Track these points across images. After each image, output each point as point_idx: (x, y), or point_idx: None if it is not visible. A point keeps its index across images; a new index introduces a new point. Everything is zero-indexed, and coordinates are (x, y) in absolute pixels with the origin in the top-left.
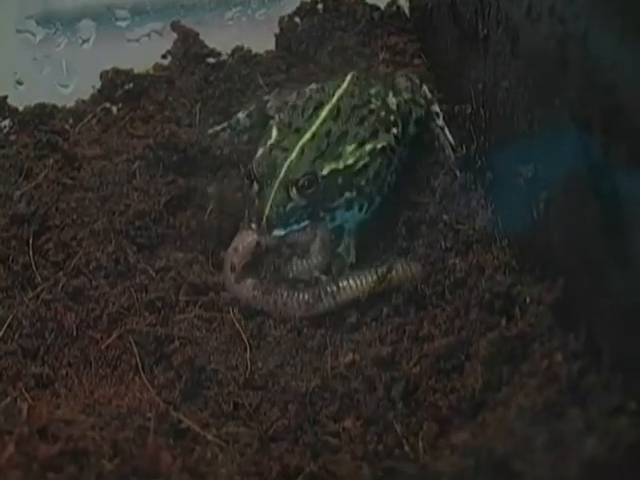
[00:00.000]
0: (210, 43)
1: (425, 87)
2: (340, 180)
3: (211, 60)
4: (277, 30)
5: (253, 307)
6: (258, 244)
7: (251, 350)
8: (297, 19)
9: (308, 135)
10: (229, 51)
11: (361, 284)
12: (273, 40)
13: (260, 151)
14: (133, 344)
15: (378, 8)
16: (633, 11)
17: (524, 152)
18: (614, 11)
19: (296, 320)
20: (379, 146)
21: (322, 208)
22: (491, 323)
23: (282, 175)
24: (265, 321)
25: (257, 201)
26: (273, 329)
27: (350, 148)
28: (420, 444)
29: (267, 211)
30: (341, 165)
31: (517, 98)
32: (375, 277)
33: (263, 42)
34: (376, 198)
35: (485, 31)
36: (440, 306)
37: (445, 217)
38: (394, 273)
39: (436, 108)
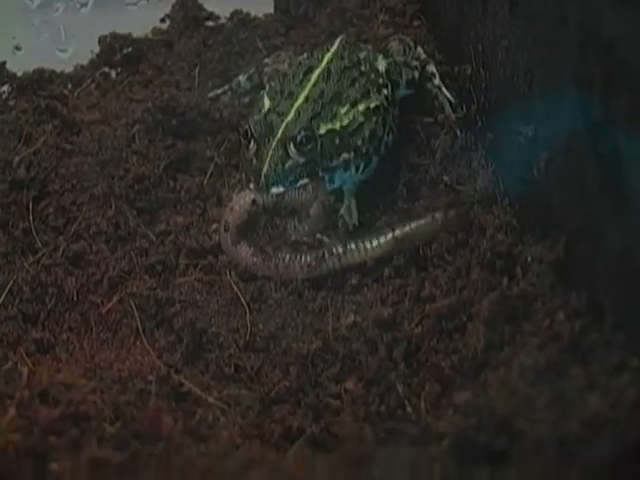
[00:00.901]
0: (209, 6)
1: (420, 48)
2: (337, 140)
3: (210, 24)
4: None
5: (251, 269)
6: (254, 203)
7: (252, 313)
8: None
9: (302, 98)
10: (228, 14)
11: (366, 248)
12: (272, 3)
13: (255, 117)
14: (134, 308)
15: None
16: None
17: (524, 112)
18: None
19: (297, 282)
20: (372, 105)
21: (321, 167)
22: (493, 283)
23: (279, 134)
24: (265, 284)
25: (255, 160)
26: (274, 292)
27: (344, 109)
28: (422, 405)
29: (265, 169)
30: (337, 125)
31: (517, 58)
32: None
33: (262, 5)
34: (373, 158)
35: None
36: (441, 267)
37: (446, 178)
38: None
39: (432, 68)
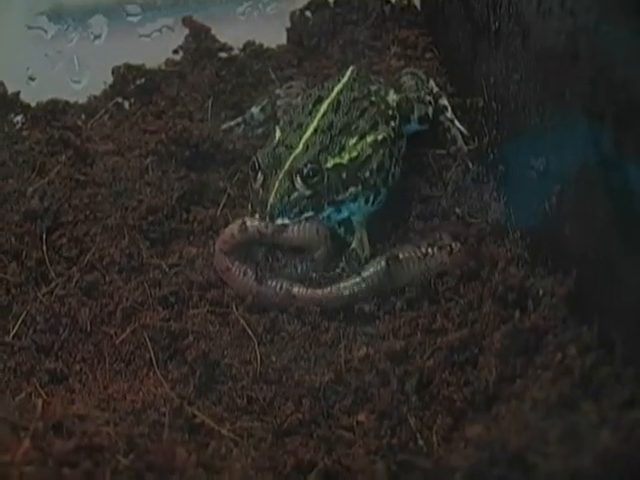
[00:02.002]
0: (222, 38)
1: (432, 82)
2: (344, 174)
3: (223, 55)
4: (288, 24)
5: (241, 292)
6: (244, 227)
7: (264, 345)
8: (308, 13)
9: (311, 129)
10: (241, 46)
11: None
12: (284, 34)
13: (265, 149)
14: (147, 339)
15: (389, 2)
16: None
17: (536, 145)
18: (625, 4)
19: (310, 314)
20: (380, 137)
21: (327, 201)
22: (504, 316)
23: (287, 166)
24: (278, 316)
25: (261, 191)
26: (286, 324)
27: (352, 141)
28: (434, 438)
29: (271, 199)
30: (345, 159)
31: (529, 91)
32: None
33: (274, 36)
34: (382, 190)
35: (497, 24)
36: (453, 299)
37: (457, 210)
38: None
39: (444, 101)
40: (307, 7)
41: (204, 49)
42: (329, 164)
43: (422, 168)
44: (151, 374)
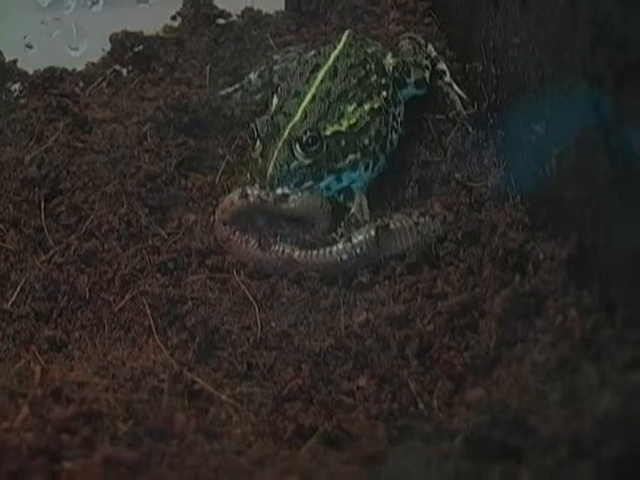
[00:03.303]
0: (220, 4)
1: (431, 46)
2: (343, 142)
3: (221, 21)
4: None
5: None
6: (245, 195)
7: (264, 310)
8: None
9: (308, 97)
10: (239, 12)
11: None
12: (283, 0)
13: (263, 117)
14: (146, 306)
15: None
16: None
17: (535, 109)
18: None
19: (309, 280)
20: (376, 105)
21: (326, 169)
22: (504, 280)
23: (286, 135)
24: (278, 282)
25: (260, 160)
26: (286, 289)
27: (350, 108)
28: (435, 402)
29: (271, 169)
30: (344, 126)
31: (528, 55)
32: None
33: (273, 3)
34: (380, 156)
35: None
36: (453, 264)
37: (457, 175)
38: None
39: (442, 66)
40: None
41: (202, 15)
42: (328, 132)
43: (421, 133)
44: (150, 341)
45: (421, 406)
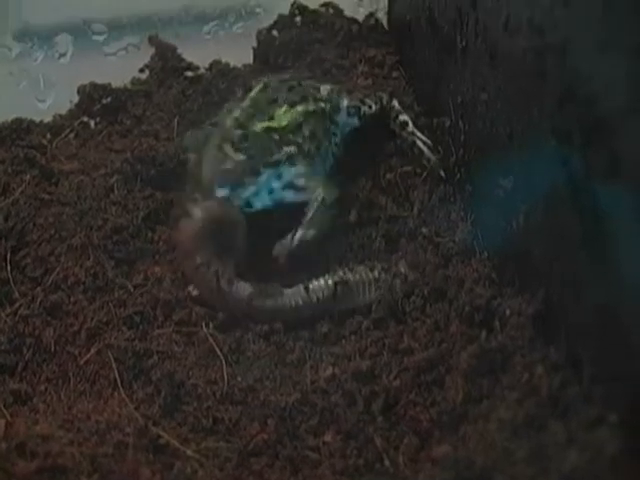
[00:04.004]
0: (188, 57)
1: (395, 100)
2: (276, 136)
3: (189, 74)
4: (255, 43)
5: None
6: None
7: (230, 364)
8: (275, 32)
9: (238, 110)
10: (207, 65)
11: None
12: (251, 53)
13: (193, 131)
14: (112, 359)
15: (356, 21)
16: (611, 22)
17: (503, 164)
18: (593, 22)
19: (275, 334)
20: (311, 109)
21: (261, 163)
22: (471, 336)
23: (216, 140)
24: (244, 335)
25: (195, 169)
26: (252, 343)
27: (282, 109)
28: (400, 458)
29: (204, 172)
30: (275, 124)
31: (496, 110)
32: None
33: (241, 55)
34: (316, 157)
35: (464, 43)
36: (420, 319)
37: (424, 230)
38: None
39: (404, 117)
40: (274, 26)
41: (170, 68)
42: (257, 128)
43: (388, 187)
44: (116, 394)
45: (387, 462)
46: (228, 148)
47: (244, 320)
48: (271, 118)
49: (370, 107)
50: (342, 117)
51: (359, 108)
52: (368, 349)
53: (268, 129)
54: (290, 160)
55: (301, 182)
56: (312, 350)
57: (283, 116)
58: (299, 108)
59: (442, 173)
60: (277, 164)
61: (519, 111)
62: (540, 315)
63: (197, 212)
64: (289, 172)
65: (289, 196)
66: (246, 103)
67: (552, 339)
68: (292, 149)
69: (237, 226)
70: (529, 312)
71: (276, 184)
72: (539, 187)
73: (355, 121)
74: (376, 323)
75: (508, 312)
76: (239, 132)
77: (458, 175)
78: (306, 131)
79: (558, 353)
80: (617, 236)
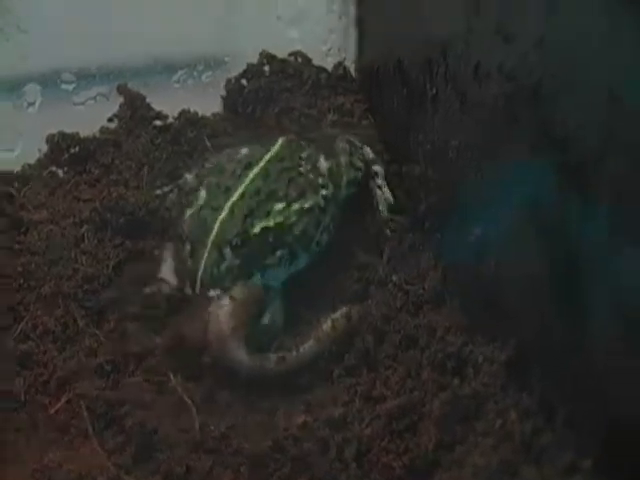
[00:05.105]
0: (157, 106)
1: (367, 149)
2: (271, 237)
3: (158, 123)
4: (223, 92)
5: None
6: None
7: (202, 413)
8: (244, 81)
9: (237, 194)
10: (176, 114)
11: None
12: (220, 102)
13: (189, 212)
14: (83, 408)
15: (325, 70)
16: (582, 65)
17: (473, 212)
18: (563, 66)
19: (247, 382)
20: (306, 206)
21: (255, 266)
22: (444, 383)
23: (214, 235)
24: (215, 384)
25: (190, 261)
26: (224, 391)
27: (279, 207)
28: None
29: (200, 272)
30: (271, 222)
31: (466, 157)
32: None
33: (210, 104)
34: (302, 255)
35: (433, 90)
36: (392, 367)
37: (394, 277)
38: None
39: (376, 168)
40: (242, 75)
41: (139, 117)
42: (256, 229)
43: (359, 235)
44: (87, 443)
45: None
46: (227, 251)
47: (215, 370)
48: (268, 214)
49: (362, 170)
50: (342, 193)
51: (357, 179)
52: (340, 396)
53: (265, 230)
54: (280, 262)
55: (270, 292)
56: (284, 398)
57: (279, 214)
58: (295, 206)
59: (388, 231)
60: (268, 267)
61: (490, 157)
62: (512, 362)
63: (237, 292)
64: (272, 275)
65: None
66: (245, 186)
67: (525, 385)
68: (284, 252)
69: (261, 304)
70: (501, 359)
71: (257, 282)
72: (509, 233)
73: (353, 190)
74: (348, 370)
75: (480, 359)
76: (239, 236)
77: (428, 223)
78: (297, 231)
79: (531, 399)
80: (588, 282)
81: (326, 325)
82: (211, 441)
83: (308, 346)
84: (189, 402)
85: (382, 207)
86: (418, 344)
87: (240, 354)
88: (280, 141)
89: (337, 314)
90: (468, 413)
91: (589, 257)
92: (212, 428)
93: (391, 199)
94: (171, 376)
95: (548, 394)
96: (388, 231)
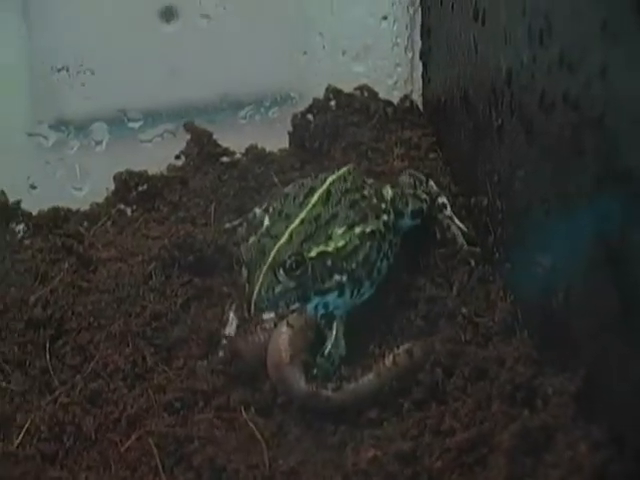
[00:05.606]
0: (223, 142)
1: (431, 182)
2: (329, 262)
3: (225, 159)
4: (290, 128)
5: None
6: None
7: (271, 448)
8: (310, 116)
9: (297, 220)
10: (243, 150)
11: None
12: (287, 138)
13: (251, 240)
14: (152, 445)
15: (391, 103)
16: None
17: (542, 242)
18: (629, 95)
19: (317, 418)
20: (368, 230)
21: (312, 290)
22: (513, 415)
23: (270, 259)
24: (285, 419)
25: (247, 286)
26: (293, 427)
27: (340, 231)
28: None
29: (255, 295)
30: (330, 247)
31: (533, 188)
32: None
33: (277, 140)
34: (365, 282)
35: (499, 121)
36: (461, 399)
37: (464, 310)
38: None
39: (443, 199)
40: (309, 110)
41: (206, 154)
42: (313, 253)
43: (427, 268)
44: None
45: None
46: (281, 273)
47: (285, 405)
48: (328, 238)
49: (427, 201)
50: (406, 222)
51: (422, 210)
52: (410, 430)
53: (322, 254)
54: (340, 290)
55: (333, 321)
56: (353, 433)
57: (340, 238)
58: (357, 230)
59: (472, 261)
60: (326, 292)
61: (556, 188)
62: (582, 393)
63: (294, 319)
64: (335, 303)
65: (321, 324)
66: (306, 211)
67: (594, 417)
68: (343, 277)
69: (314, 332)
70: (571, 390)
71: (320, 310)
72: (578, 264)
73: (417, 222)
74: (417, 404)
75: (550, 390)
76: (293, 258)
77: (497, 254)
78: (360, 256)
79: (601, 431)
80: None
81: (388, 360)
82: (280, 476)
83: (367, 379)
84: (259, 437)
85: (459, 238)
86: (487, 376)
87: (297, 381)
88: (345, 167)
89: (400, 349)
90: (538, 445)
91: None
92: (281, 463)
93: (465, 229)
94: (242, 410)
95: (618, 425)
96: (473, 261)
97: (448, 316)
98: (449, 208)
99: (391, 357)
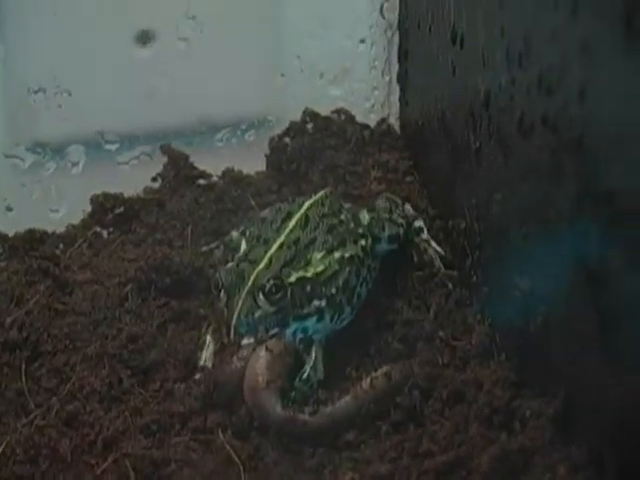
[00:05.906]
0: (200, 165)
1: (408, 205)
2: (309, 288)
3: (202, 182)
4: (267, 151)
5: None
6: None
7: (248, 471)
8: (287, 139)
9: (276, 245)
10: (219, 173)
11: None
12: (264, 161)
13: (229, 265)
14: (129, 468)
15: (368, 126)
16: (628, 117)
17: (520, 265)
18: (608, 118)
19: (294, 440)
20: (347, 255)
21: (292, 316)
22: (491, 438)
23: (250, 284)
24: (262, 442)
25: (225, 311)
26: (270, 450)
27: (319, 255)
28: None
29: (234, 319)
30: (310, 272)
31: (511, 211)
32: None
33: (253, 163)
34: (346, 308)
35: (477, 144)
36: (439, 422)
37: (441, 333)
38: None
39: (420, 223)
40: (286, 133)
41: (183, 177)
42: (292, 278)
43: (404, 291)
44: None
45: None
46: (260, 298)
47: (262, 428)
48: (307, 263)
49: (403, 226)
50: (383, 247)
51: (399, 234)
52: (387, 453)
53: (302, 279)
54: (319, 315)
55: (312, 345)
56: (331, 455)
57: (319, 262)
58: (336, 255)
59: (449, 284)
60: (305, 317)
61: (535, 210)
62: (560, 415)
63: (272, 345)
64: (314, 328)
65: (300, 348)
66: (284, 236)
67: (573, 439)
68: (322, 303)
69: (293, 358)
70: (549, 413)
71: (299, 335)
72: (557, 287)
73: (395, 246)
74: (395, 426)
75: (528, 413)
76: (272, 282)
77: (474, 277)
78: (340, 281)
79: (580, 453)
80: (637, 335)
81: (365, 382)
82: None
83: (344, 402)
84: (236, 460)
85: (437, 262)
86: (465, 399)
87: (273, 406)
88: (322, 192)
89: (378, 372)
90: (516, 468)
91: (638, 310)
92: None
93: (442, 252)
94: (219, 433)
95: (597, 447)
96: (450, 284)
97: (426, 339)
98: (426, 231)
99: (369, 380)
